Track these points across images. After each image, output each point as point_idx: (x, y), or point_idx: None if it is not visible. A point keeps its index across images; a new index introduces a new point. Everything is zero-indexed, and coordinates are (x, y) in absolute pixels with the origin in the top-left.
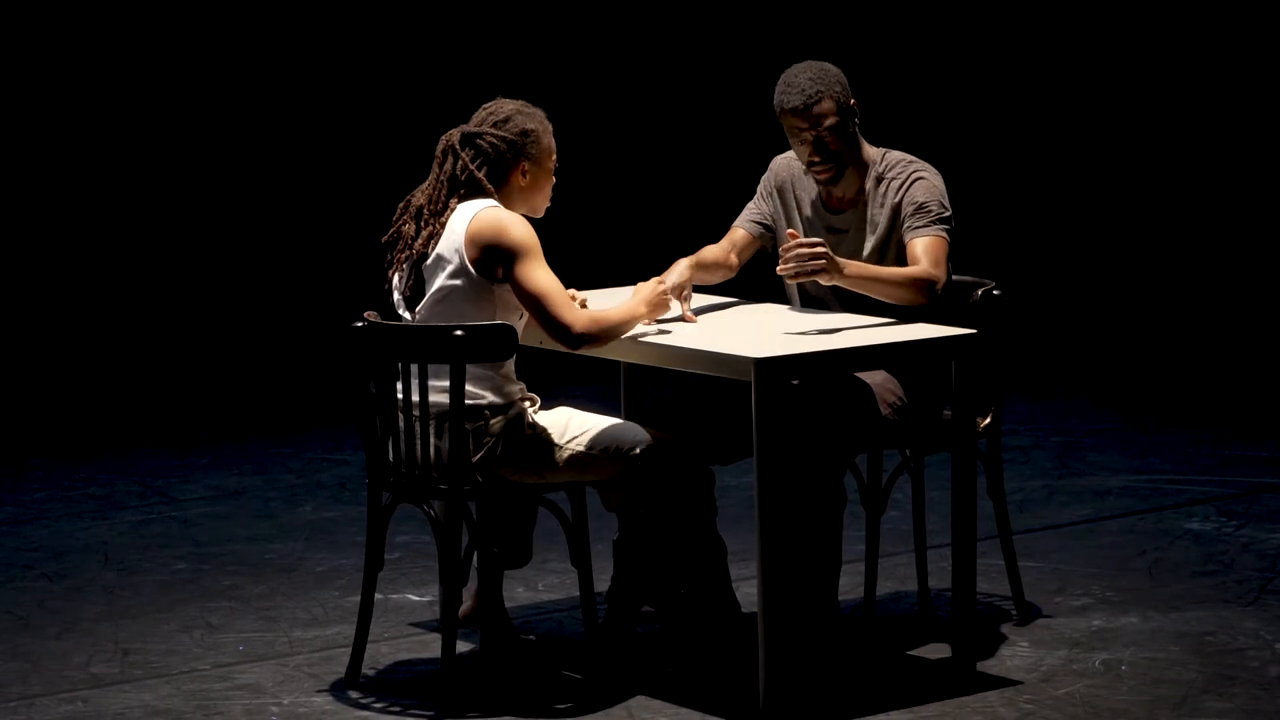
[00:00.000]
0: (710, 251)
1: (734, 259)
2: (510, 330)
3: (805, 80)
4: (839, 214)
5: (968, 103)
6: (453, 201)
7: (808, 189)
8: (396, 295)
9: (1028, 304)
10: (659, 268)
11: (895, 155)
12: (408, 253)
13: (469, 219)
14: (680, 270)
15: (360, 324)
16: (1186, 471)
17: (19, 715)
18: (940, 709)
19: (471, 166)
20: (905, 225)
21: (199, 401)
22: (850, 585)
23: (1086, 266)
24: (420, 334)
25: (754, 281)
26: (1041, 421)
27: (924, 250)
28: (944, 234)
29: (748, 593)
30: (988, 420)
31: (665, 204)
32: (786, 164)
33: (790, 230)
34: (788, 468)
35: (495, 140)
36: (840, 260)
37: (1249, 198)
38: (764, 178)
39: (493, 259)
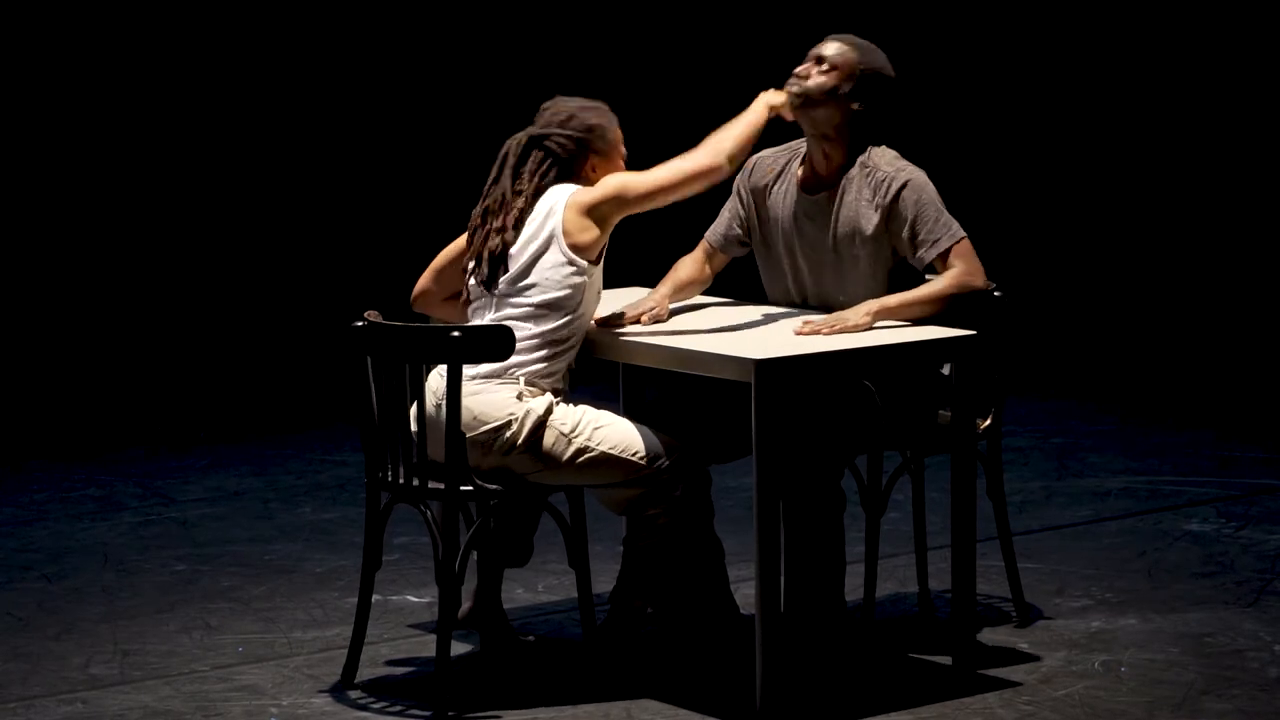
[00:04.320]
0: (685, 269)
1: (708, 270)
2: (508, 332)
3: (850, 38)
4: (814, 195)
5: (968, 105)
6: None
7: (787, 181)
8: (474, 282)
9: (1028, 305)
10: (647, 267)
11: (881, 149)
12: (497, 243)
13: (563, 199)
14: (657, 298)
15: (360, 324)
16: (1186, 473)
17: (19, 716)
18: (940, 710)
19: (542, 168)
20: (920, 240)
21: (198, 402)
22: (850, 586)
23: (1086, 268)
24: (420, 334)
25: (752, 281)
26: (1041, 423)
27: (956, 256)
28: (961, 234)
29: (747, 594)
30: (988, 422)
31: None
32: (768, 161)
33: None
34: (787, 469)
35: (563, 140)
36: (864, 308)
37: (1248, 198)
38: (739, 175)
39: (598, 214)
